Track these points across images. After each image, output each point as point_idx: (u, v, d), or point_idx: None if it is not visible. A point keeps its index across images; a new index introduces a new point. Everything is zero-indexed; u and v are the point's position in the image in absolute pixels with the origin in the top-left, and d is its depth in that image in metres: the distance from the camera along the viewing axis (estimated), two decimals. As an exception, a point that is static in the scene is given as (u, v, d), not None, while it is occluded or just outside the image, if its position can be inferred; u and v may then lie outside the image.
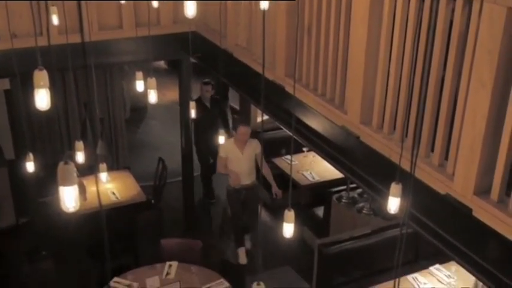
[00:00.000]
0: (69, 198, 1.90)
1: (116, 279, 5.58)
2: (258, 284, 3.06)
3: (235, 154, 7.07)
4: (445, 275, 5.84)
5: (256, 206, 7.34)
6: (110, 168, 7.99)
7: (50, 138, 9.00)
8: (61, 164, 1.85)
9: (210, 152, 8.54)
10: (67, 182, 1.86)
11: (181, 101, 7.88)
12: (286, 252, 7.51)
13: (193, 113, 6.75)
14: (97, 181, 2.89)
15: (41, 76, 2.53)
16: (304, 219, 7.75)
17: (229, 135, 7.85)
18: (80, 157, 5.95)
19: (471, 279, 5.63)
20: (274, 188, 7.24)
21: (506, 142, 3.08)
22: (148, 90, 5.10)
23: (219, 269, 5.94)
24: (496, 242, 3.24)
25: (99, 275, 5.86)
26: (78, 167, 6.25)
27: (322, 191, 7.77)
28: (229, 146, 7.06)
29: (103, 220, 1.86)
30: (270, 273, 7.12)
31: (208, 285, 5.55)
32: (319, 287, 6.31)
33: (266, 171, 7.24)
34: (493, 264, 3.32)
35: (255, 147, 7.15)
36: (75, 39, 4.22)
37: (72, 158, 5.43)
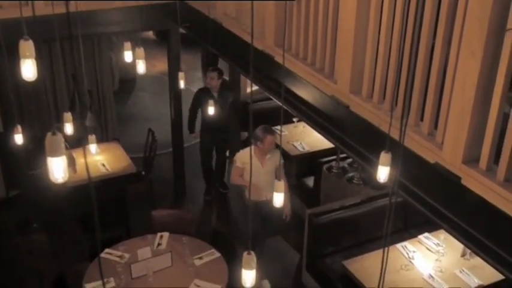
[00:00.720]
0: (57, 169, 1.89)
1: (107, 250, 5.60)
2: (249, 253, 3.07)
3: (255, 166, 6.11)
4: (434, 243, 5.91)
5: (280, 223, 6.59)
6: (100, 140, 7.97)
7: (39, 111, 8.93)
8: (49, 135, 1.83)
9: (213, 147, 8.22)
10: (55, 153, 1.85)
11: (170, 72, 7.83)
12: (277, 222, 7.57)
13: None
14: (85, 153, 2.85)
15: (27, 46, 2.50)
16: (294, 189, 7.79)
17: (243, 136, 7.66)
18: (69, 129, 5.93)
19: (460, 247, 5.70)
20: (287, 209, 6.40)
21: (496, 111, 3.09)
22: (136, 60, 5.06)
23: (210, 239, 5.97)
24: (484, 210, 3.27)
25: (90, 246, 5.87)
26: (67, 139, 6.24)
27: (312, 161, 7.79)
28: (247, 156, 6.11)
29: (92, 192, 1.85)
30: (262, 243, 7.18)
31: (199, 256, 5.59)
32: (309, 257, 6.37)
33: (285, 189, 6.43)
34: (481, 232, 3.36)
35: (276, 159, 6.21)
36: (61, 9, 4.15)
37: (60, 129, 5.41)
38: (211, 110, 6.92)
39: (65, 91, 8.83)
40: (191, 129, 7.97)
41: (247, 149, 6.27)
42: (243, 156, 6.22)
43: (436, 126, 3.58)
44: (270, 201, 5.79)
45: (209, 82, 7.67)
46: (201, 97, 7.69)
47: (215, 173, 8.41)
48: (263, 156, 6.21)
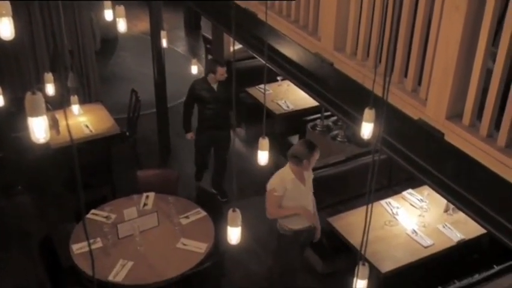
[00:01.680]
0: (38, 129, 1.86)
1: (93, 211, 5.61)
2: (234, 211, 3.10)
3: (297, 188, 5.22)
4: (418, 199, 5.98)
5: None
6: (82, 102, 7.89)
7: (19, 72, 8.79)
8: (28, 95, 1.80)
9: (211, 147, 7.30)
10: (36, 113, 1.82)
11: (152, 31, 7.71)
12: (262, 181, 7.60)
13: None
14: (66, 113, 2.80)
15: (3, 4, 2.43)
16: (279, 148, 7.80)
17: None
18: (50, 89, 5.85)
19: (443, 202, 5.78)
20: (318, 232, 5.57)
21: (479, 66, 3.08)
22: (117, 19, 4.97)
23: (196, 199, 5.99)
24: (467, 166, 3.30)
25: (76, 208, 5.87)
26: (49, 100, 6.17)
27: (296, 119, 7.79)
28: (287, 179, 5.18)
29: (75, 153, 1.83)
30: (247, 201, 7.22)
31: (185, 215, 5.61)
32: (294, 214, 6.42)
33: (315, 207, 5.55)
34: (464, 187, 3.39)
35: (310, 171, 5.43)
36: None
37: (41, 90, 5.34)
38: (211, 104, 6.51)
39: (45, 51, 8.68)
40: (187, 127, 7.15)
41: (282, 171, 5.24)
42: (281, 181, 5.17)
43: (419, 83, 3.58)
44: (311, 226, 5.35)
45: (218, 78, 6.73)
46: (198, 90, 6.86)
47: (214, 178, 7.49)
48: (302, 174, 5.26)
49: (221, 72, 6.70)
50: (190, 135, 7.17)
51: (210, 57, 9.79)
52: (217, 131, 7.01)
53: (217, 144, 7.20)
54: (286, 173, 5.20)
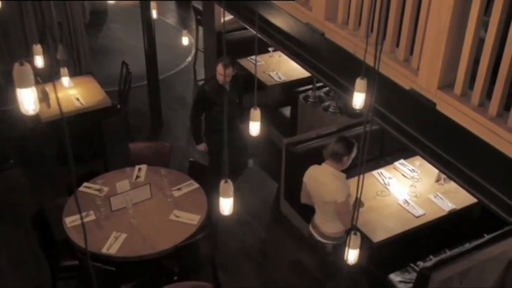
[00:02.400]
0: (27, 100, 1.84)
1: (85, 184, 5.60)
2: (226, 182, 3.10)
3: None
4: (409, 170, 6.00)
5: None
6: (72, 74, 7.82)
7: (8, 44, 8.70)
8: (16, 66, 1.78)
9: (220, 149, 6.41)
10: (24, 84, 1.80)
11: (142, 3, 7.62)
12: (255, 153, 7.62)
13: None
14: (55, 86, 2.76)
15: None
16: (271, 119, 7.80)
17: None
18: (39, 61, 5.79)
19: (434, 172, 5.81)
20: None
21: (471, 35, 3.07)
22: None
23: (188, 171, 6.00)
24: (459, 135, 3.31)
25: (68, 181, 5.87)
26: (39, 73, 6.12)
27: (288, 90, 7.77)
28: (320, 172, 4.95)
29: (65, 125, 1.81)
30: (239, 173, 7.25)
31: (178, 187, 5.62)
32: (287, 185, 6.45)
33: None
34: (455, 157, 3.41)
35: None
36: None
37: (30, 62, 5.29)
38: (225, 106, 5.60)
39: (33, 24, 8.58)
40: (198, 137, 6.41)
41: (337, 174, 4.86)
42: (347, 183, 4.87)
43: (411, 52, 3.56)
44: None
45: (219, 77, 6.04)
46: (208, 93, 6.15)
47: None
48: None
49: (219, 70, 5.97)
50: (203, 147, 6.47)
51: (200, 28, 9.67)
52: (230, 132, 6.23)
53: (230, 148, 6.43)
54: (338, 173, 4.86)
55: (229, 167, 6.04)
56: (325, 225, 4.89)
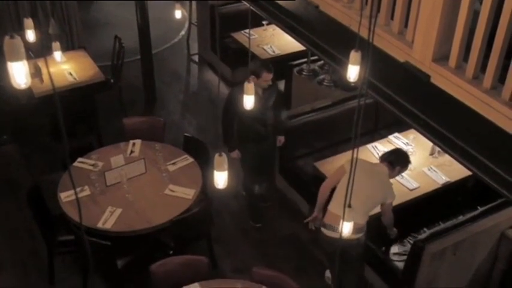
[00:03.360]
0: (19, 74, 1.81)
1: (80, 159, 5.59)
2: (220, 155, 3.10)
3: None
4: (404, 143, 6.01)
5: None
6: (65, 49, 7.76)
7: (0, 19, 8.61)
8: (7, 39, 1.75)
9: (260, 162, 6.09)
10: (15, 57, 1.77)
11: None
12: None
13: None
14: (46, 61, 2.73)
15: None
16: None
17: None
18: (31, 35, 5.74)
19: (428, 146, 5.82)
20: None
21: (466, 7, 3.05)
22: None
23: (183, 145, 5.99)
24: (453, 108, 3.31)
25: (62, 156, 5.85)
26: (31, 47, 6.07)
27: (283, 64, 7.73)
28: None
29: (56, 100, 1.80)
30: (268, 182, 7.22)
31: (173, 161, 5.61)
32: (282, 159, 6.46)
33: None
34: (450, 130, 3.41)
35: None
36: None
37: (22, 36, 5.24)
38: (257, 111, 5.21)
39: (25, -2, 8.48)
40: (231, 144, 5.87)
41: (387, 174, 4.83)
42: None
43: (406, 25, 3.54)
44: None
45: (261, 84, 5.50)
46: (240, 98, 5.07)
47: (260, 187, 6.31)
48: None
49: (266, 78, 5.45)
50: (236, 154, 5.93)
51: (194, 1, 9.57)
52: (262, 141, 5.93)
53: (265, 157, 6.11)
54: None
55: (260, 176, 6.16)
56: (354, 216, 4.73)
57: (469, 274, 5.18)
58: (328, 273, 5.58)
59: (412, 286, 4.91)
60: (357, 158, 2.69)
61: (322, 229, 4.76)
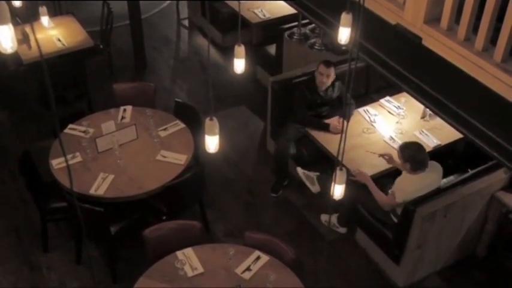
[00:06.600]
0: (4, 38, 1.78)
1: (70, 126, 5.56)
2: (211, 119, 3.09)
3: None
4: (395, 106, 6.01)
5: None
6: (53, 14, 7.65)
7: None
8: (-9, 2, 1.72)
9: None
10: (0, 21, 1.74)
11: None
12: (241, 92, 7.59)
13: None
14: (32, 26, 2.68)
15: None
16: (256, 58, 7.72)
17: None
18: (17, 1, 5.66)
19: (420, 109, 5.83)
20: None
21: (458, -33, 3.02)
22: None
23: (174, 111, 5.96)
24: (444, 70, 3.30)
25: (53, 123, 5.82)
26: (18, 13, 5.97)
27: (273, 28, 7.65)
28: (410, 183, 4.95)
29: (44, 66, 1.77)
30: (226, 112, 7.24)
31: (164, 127, 5.59)
32: (273, 123, 6.45)
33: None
34: (441, 92, 3.41)
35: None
36: None
37: (8, 1, 5.16)
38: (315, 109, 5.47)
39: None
40: (319, 123, 5.72)
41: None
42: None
43: (397, -14, 3.51)
44: None
45: (319, 79, 5.69)
46: (307, 95, 5.77)
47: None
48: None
49: (321, 70, 5.58)
50: (336, 120, 5.64)
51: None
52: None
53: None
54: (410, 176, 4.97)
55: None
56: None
57: (459, 236, 5.24)
58: (324, 217, 5.74)
59: (403, 249, 4.97)
60: (348, 122, 2.69)
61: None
